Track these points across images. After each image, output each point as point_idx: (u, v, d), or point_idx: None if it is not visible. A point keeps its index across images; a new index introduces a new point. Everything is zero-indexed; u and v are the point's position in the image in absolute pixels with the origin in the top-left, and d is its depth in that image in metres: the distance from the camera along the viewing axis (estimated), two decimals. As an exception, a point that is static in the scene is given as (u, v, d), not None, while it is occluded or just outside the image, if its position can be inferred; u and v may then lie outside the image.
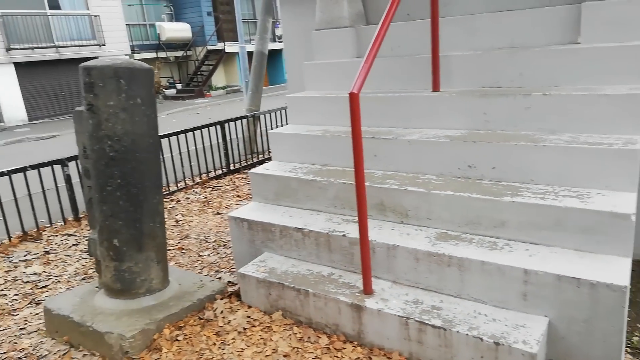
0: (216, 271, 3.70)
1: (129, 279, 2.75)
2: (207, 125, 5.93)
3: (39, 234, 4.58)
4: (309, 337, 2.56)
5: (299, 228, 2.91)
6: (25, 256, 4.14)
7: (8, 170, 4.31)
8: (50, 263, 3.99)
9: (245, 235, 3.20)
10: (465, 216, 2.51)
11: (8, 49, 14.41)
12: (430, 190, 2.60)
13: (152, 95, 2.67)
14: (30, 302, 3.33)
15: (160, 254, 2.87)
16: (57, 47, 15.43)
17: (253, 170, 3.40)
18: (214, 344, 2.56)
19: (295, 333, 2.61)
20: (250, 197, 5.26)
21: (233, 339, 2.59)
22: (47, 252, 4.21)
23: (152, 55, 20.15)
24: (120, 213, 2.65)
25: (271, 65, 24.90)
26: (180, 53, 21.42)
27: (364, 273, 2.47)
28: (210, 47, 20.86)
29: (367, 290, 2.50)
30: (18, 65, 14.84)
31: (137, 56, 19.18)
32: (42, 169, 4.61)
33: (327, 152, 3.31)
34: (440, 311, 2.29)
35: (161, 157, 3.13)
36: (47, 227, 4.78)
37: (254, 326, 2.71)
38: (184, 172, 5.90)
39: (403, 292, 2.48)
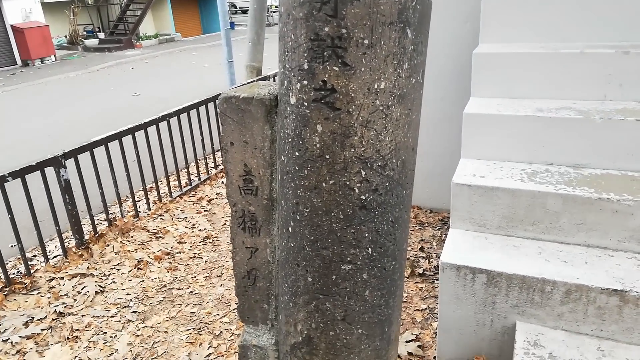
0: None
1: None
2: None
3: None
4: None
5: (615, 290, 1.68)
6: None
7: None
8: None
9: (477, 295, 1.90)
10: None
11: None
12: None
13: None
14: None
15: None
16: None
17: (459, 180, 2.05)
18: None
19: None
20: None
21: None
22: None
23: (66, -3, 16.74)
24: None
25: (203, 10, 22.17)
26: (100, -5, 18.07)
27: None
28: (136, -12, 17.75)
29: None
30: None
31: (47, -1, 15.78)
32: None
33: (585, 145, 2.04)
34: None
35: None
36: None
37: None
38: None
39: None
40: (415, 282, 2.71)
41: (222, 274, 2.96)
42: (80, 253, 3.18)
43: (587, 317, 1.75)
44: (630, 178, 1.95)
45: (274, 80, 5.69)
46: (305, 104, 1.11)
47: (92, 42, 17.33)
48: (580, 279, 1.73)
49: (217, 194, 4.21)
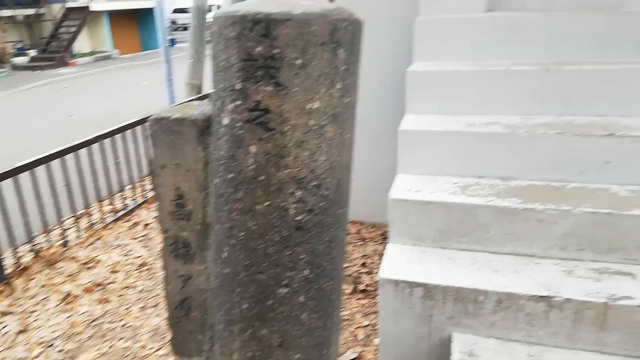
0: None
1: None
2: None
3: None
4: None
5: (541, 296, 1.76)
6: None
7: None
8: None
9: (415, 309, 1.93)
10: None
11: None
12: None
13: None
14: None
15: None
16: None
17: (395, 195, 2.10)
18: None
19: None
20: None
21: None
22: None
23: (-10, 13, 15.82)
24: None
25: (143, 27, 21.65)
26: (31, 11, 17.17)
27: None
28: (70, 5, 17.06)
29: None
30: None
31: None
32: None
33: (512, 158, 2.16)
34: None
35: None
36: None
37: None
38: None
39: None
40: (358, 299, 2.72)
41: (158, 303, 2.83)
42: (0, 289, 2.93)
43: (518, 324, 1.82)
44: (553, 188, 2.07)
45: (214, 100, 5.61)
46: (239, 124, 1.09)
47: (22, 60, 16.41)
48: (510, 288, 1.81)
49: (154, 217, 4.05)
